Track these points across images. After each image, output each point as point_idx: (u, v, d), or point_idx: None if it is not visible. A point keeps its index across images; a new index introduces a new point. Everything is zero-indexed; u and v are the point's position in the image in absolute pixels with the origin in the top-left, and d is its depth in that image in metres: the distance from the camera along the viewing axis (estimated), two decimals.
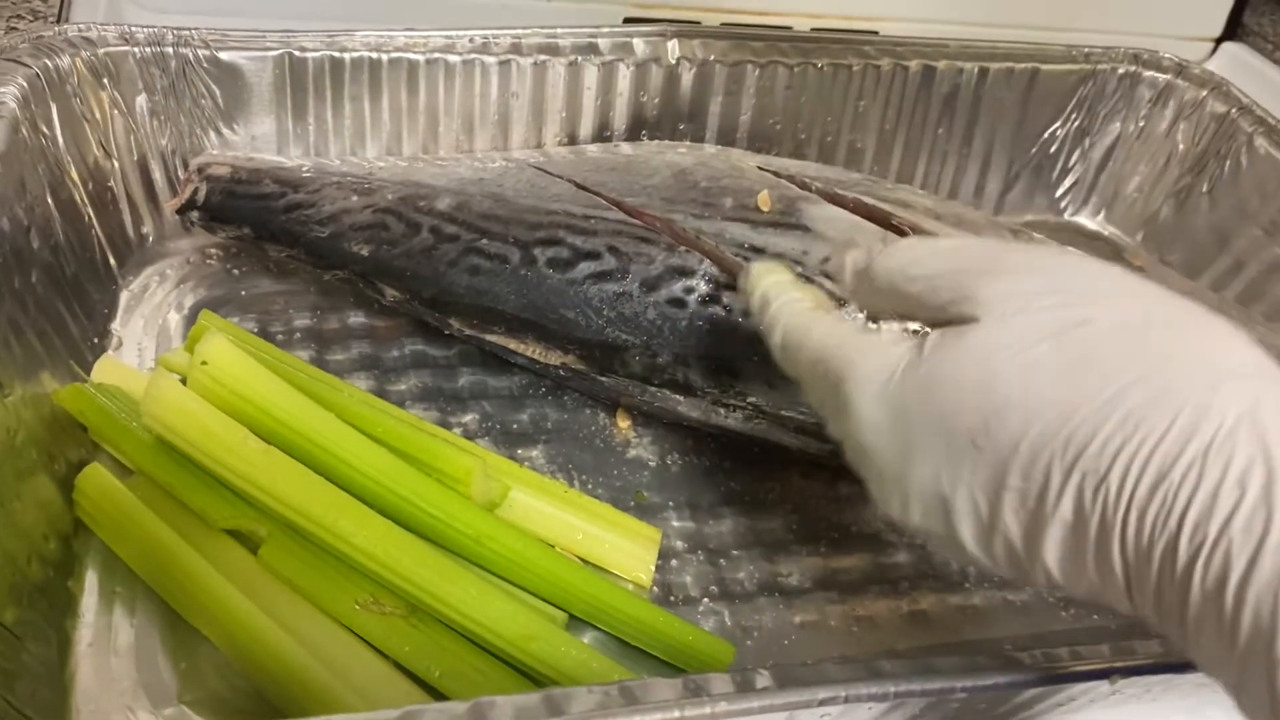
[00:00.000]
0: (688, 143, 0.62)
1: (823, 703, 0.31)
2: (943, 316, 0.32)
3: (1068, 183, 0.71)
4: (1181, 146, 0.68)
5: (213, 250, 0.58)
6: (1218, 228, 0.65)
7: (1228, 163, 0.65)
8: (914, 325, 0.37)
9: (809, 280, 0.43)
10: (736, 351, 0.48)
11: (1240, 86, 0.67)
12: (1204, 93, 0.67)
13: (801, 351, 0.37)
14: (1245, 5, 0.83)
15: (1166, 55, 0.68)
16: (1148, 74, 0.68)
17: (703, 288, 0.48)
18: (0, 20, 0.69)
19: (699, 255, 0.49)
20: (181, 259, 0.58)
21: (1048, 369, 0.28)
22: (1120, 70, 0.68)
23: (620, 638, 0.43)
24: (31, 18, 0.64)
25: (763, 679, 0.32)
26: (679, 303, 0.48)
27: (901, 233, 0.50)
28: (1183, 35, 0.81)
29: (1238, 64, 0.82)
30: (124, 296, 0.55)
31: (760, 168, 0.54)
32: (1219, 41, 0.83)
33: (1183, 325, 0.28)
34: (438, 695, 0.40)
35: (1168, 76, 0.68)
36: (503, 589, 0.43)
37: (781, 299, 0.39)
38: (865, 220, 0.50)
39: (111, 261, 0.56)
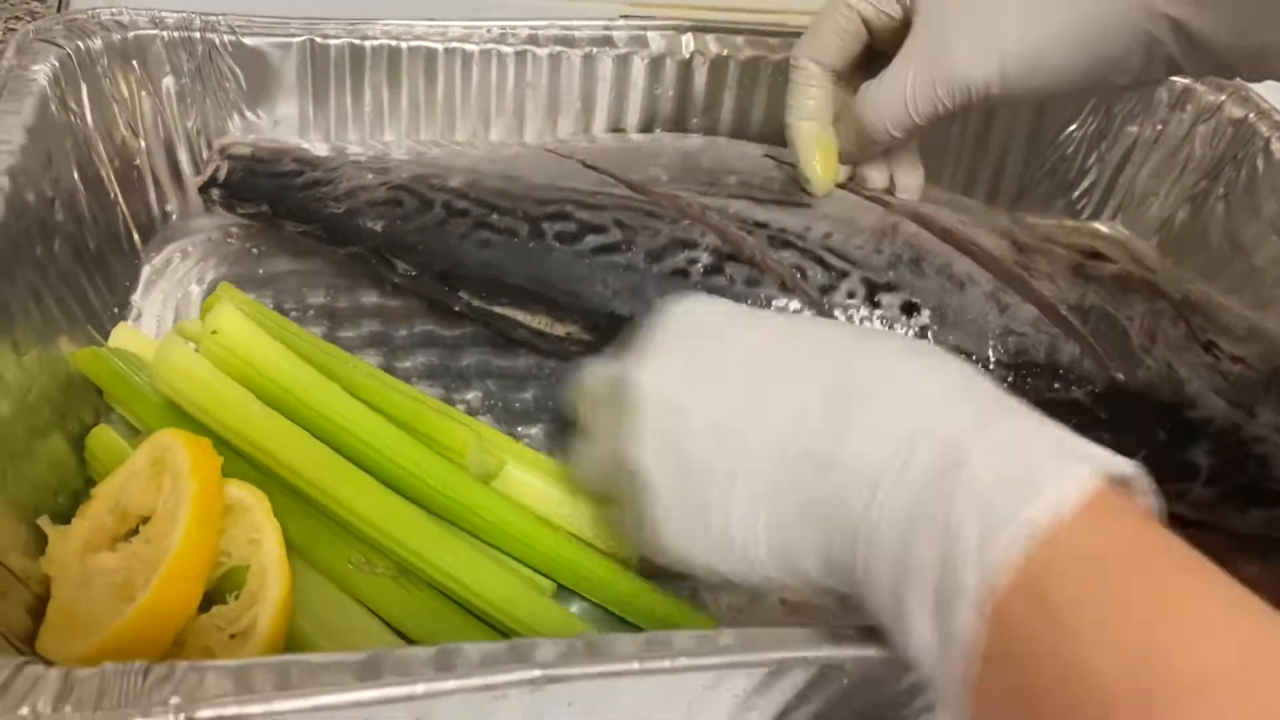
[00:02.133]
0: (699, 135, 0.62)
1: (783, 664, 0.31)
2: None
3: (1084, 185, 0.71)
4: (1199, 151, 0.67)
5: (234, 229, 0.60)
6: (1233, 233, 0.65)
7: (1244, 168, 0.65)
8: None
9: None
10: None
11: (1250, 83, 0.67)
12: (1222, 97, 0.66)
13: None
14: None
15: None
16: None
17: (706, 259, 0.49)
18: None
19: (703, 228, 0.50)
20: (204, 237, 0.60)
21: None
22: None
23: (606, 608, 0.44)
24: (30, 18, 0.66)
25: (725, 637, 0.32)
26: (683, 274, 0.49)
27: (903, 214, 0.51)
28: None
29: None
30: (146, 271, 0.57)
31: (767, 154, 0.55)
32: None
33: None
34: None
35: (1185, 80, 0.67)
36: (493, 556, 0.43)
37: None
38: (868, 200, 0.51)
39: (135, 237, 0.57)
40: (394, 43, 0.58)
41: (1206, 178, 0.67)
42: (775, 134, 0.64)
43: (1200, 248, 0.67)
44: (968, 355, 0.46)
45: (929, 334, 0.47)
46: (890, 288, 0.47)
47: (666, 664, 0.31)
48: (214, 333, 0.47)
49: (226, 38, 0.57)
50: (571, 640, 0.32)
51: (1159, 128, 0.69)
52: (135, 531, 0.41)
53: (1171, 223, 0.69)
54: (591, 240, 0.50)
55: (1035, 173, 0.70)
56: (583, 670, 0.31)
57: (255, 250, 0.59)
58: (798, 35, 0.63)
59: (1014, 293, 0.48)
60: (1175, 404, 0.47)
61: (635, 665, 0.31)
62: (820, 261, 0.48)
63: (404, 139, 0.61)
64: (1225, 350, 0.48)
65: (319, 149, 0.57)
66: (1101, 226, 0.72)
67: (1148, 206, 0.70)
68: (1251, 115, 0.65)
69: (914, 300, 0.47)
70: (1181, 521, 0.50)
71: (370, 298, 0.58)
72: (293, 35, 0.58)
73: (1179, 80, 0.67)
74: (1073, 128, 0.69)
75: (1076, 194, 0.71)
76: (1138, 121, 0.69)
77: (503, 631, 0.41)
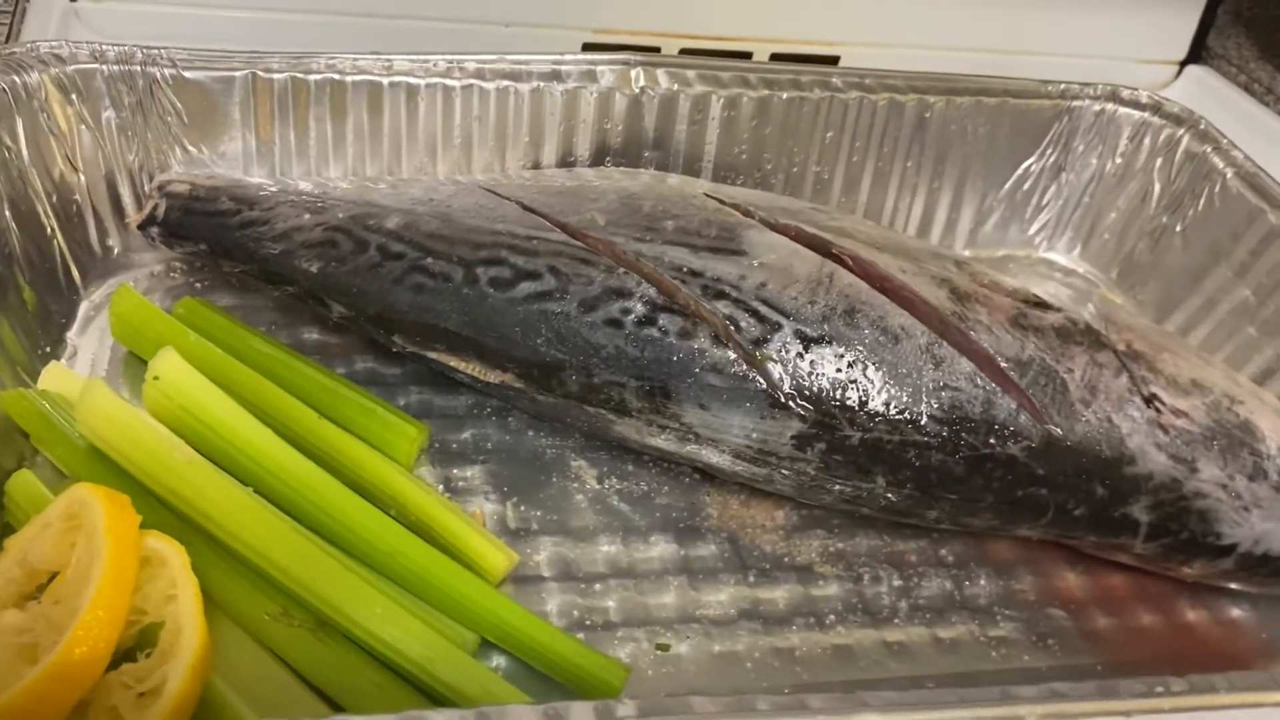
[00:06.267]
0: (649, 170, 0.62)
1: None
2: None
3: (1043, 218, 0.70)
4: (1158, 185, 0.67)
5: (177, 264, 0.59)
6: (1190, 267, 0.64)
7: (1201, 202, 0.64)
8: None
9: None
10: (670, 372, 0.48)
11: (1206, 112, 0.66)
12: (1180, 130, 0.66)
13: None
14: (1210, 28, 0.82)
15: (1144, 91, 0.67)
16: (1124, 110, 0.67)
17: (639, 309, 0.48)
18: None
19: (637, 277, 0.49)
20: (146, 271, 0.59)
21: None
22: (1096, 107, 0.67)
23: (524, 660, 0.43)
24: None
25: (625, 708, 0.32)
26: (615, 323, 0.48)
27: (841, 262, 0.50)
28: (1146, 59, 0.81)
29: (1202, 87, 0.82)
30: (84, 307, 0.56)
31: (708, 195, 0.54)
32: (1183, 65, 0.83)
33: None
34: (338, 710, 0.40)
35: (1144, 114, 0.67)
36: (415, 610, 0.43)
37: None
38: (804, 248, 0.50)
39: (74, 273, 0.57)
40: (337, 76, 0.58)
41: (1166, 211, 0.67)
42: (729, 167, 0.64)
43: (1159, 282, 0.67)
44: (901, 411, 0.46)
45: (861, 389, 0.46)
46: (823, 341, 0.47)
47: None
48: (155, 378, 0.47)
49: (167, 71, 0.56)
50: (463, 712, 0.32)
51: (1119, 161, 0.68)
52: (46, 587, 0.41)
53: (1131, 256, 0.69)
54: (525, 287, 0.49)
55: (994, 204, 0.69)
56: None
57: (198, 285, 0.59)
58: (755, 71, 0.63)
59: (949, 345, 0.47)
60: (1115, 459, 0.47)
61: None
62: (754, 313, 0.47)
63: (350, 173, 0.60)
64: (1168, 404, 0.48)
65: (261, 185, 0.56)
66: (1059, 259, 0.71)
67: (1107, 239, 0.70)
68: (1209, 149, 0.65)
69: (846, 354, 0.47)
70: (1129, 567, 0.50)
71: (312, 335, 0.57)
72: (235, 69, 0.57)
73: (1137, 113, 0.67)
74: (1031, 160, 0.68)
75: (1035, 228, 0.70)
76: (1097, 154, 0.68)
77: (421, 689, 0.41)
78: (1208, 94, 0.84)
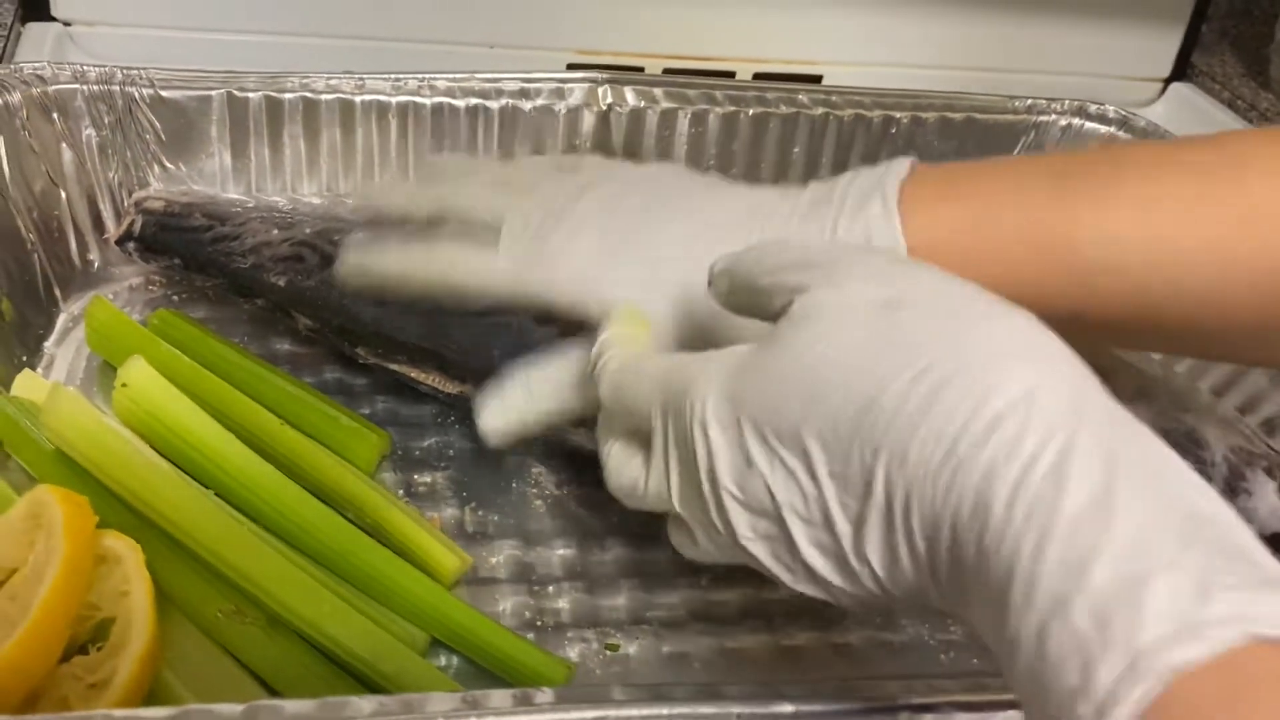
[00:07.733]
0: None
1: None
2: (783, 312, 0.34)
3: None
4: None
5: (156, 277, 0.61)
6: None
7: None
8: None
9: None
10: None
11: (1189, 128, 0.67)
12: (1112, 130, 0.67)
13: (638, 384, 0.38)
14: (1194, 46, 0.83)
15: (1111, 106, 0.68)
16: (1090, 126, 0.68)
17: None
18: None
19: None
20: (125, 285, 0.61)
21: (861, 351, 0.30)
22: (1063, 122, 0.68)
23: (473, 659, 0.44)
24: None
25: (543, 695, 0.32)
26: (569, 335, 0.49)
27: None
28: (1131, 76, 0.82)
29: (1186, 105, 0.82)
30: (62, 319, 0.58)
31: None
32: (1168, 82, 0.84)
33: (983, 313, 0.30)
34: None
35: (1110, 129, 0.68)
36: (365, 609, 0.44)
37: (613, 348, 0.40)
38: None
39: (54, 285, 0.58)
40: (311, 95, 0.60)
41: None
42: None
43: None
44: None
45: None
46: None
47: None
48: (123, 385, 0.48)
49: (145, 91, 0.58)
50: (384, 699, 0.33)
51: None
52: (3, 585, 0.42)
53: None
54: None
55: None
56: None
57: (176, 298, 0.60)
58: (723, 89, 0.65)
59: None
60: None
61: None
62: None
63: (324, 189, 0.62)
64: None
65: (234, 201, 0.58)
66: None
67: None
68: None
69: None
70: None
71: (283, 345, 0.59)
72: (211, 89, 0.59)
73: (1103, 128, 0.68)
74: None
75: None
76: None
77: (367, 684, 0.42)
78: (1191, 111, 0.85)
